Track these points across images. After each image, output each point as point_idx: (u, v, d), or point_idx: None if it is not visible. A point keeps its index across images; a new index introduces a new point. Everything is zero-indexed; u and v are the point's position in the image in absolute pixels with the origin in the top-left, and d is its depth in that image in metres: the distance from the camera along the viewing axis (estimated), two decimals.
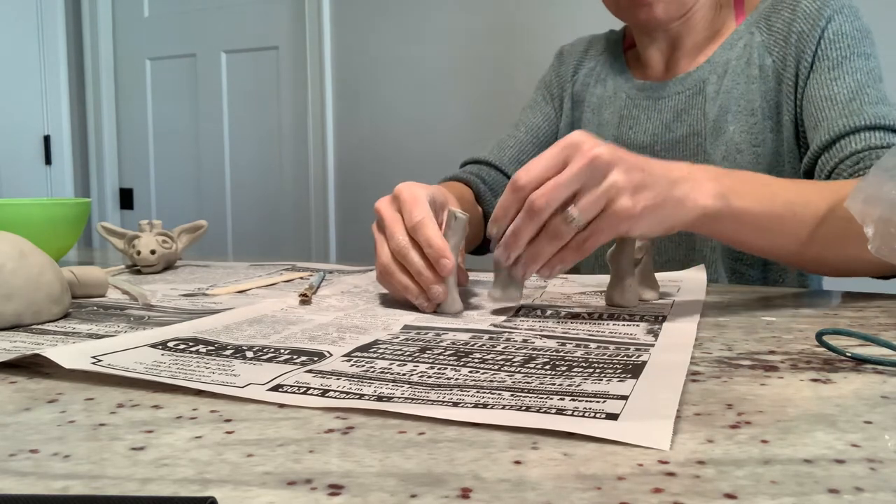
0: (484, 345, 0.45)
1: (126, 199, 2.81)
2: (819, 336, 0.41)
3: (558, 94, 1.01)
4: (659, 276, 0.74)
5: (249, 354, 0.42)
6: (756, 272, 0.84)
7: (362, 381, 0.37)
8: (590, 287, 0.68)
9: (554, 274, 0.53)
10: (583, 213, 0.49)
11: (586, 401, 0.33)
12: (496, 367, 0.40)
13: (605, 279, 0.73)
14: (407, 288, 0.56)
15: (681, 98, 0.88)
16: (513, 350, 0.44)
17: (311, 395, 0.34)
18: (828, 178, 0.73)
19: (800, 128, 0.81)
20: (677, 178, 0.53)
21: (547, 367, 0.40)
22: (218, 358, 0.41)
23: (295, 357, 0.42)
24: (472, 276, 0.73)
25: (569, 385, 0.36)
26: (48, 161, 2.71)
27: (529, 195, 0.50)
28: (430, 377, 0.37)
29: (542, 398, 0.34)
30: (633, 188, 0.50)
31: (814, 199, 0.60)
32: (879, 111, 0.72)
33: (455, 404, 0.33)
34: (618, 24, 0.98)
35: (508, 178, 0.97)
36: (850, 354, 0.41)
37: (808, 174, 0.79)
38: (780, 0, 0.84)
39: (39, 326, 0.52)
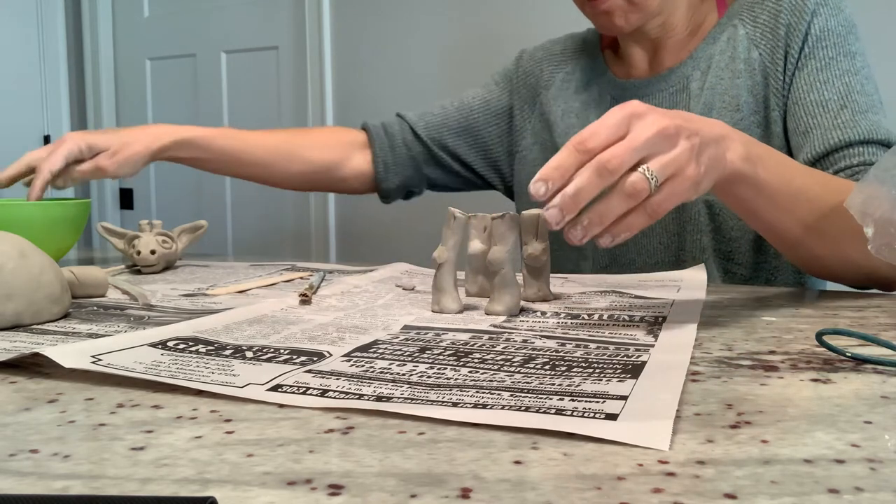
0: (483, 345, 0.45)
1: (126, 199, 2.80)
2: (819, 336, 0.41)
3: (529, 97, 1.01)
4: (659, 276, 0.74)
5: (249, 354, 0.42)
6: (747, 271, 0.83)
7: (362, 381, 0.37)
8: (590, 287, 0.68)
9: (616, 241, 0.49)
10: (658, 174, 0.48)
11: (586, 401, 0.33)
12: (496, 367, 0.40)
13: (605, 279, 0.73)
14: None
15: (665, 96, 0.87)
16: (512, 350, 0.44)
17: (311, 395, 0.35)
18: None
19: (787, 126, 0.81)
20: (718, 135, 0.54)
21: (546, 367, 0.40)
22: (217, 358, 0.41)
23: (294, 357, 0.42)
24: None
25: (568, 385, 0.36)
26: None
27: (598, 156, 0.48)
28: (429, 377, 0.37)
29: (541, 398, 0.34)
30: (696, 154, 0.51)
31: (822, 193, 0.62)
32: (871, 122, 0.75)
33: (455, 404, 0.33)
34: None
35: (418, 137, 1.03)
36: (850, 354, 0.41)
37: None
38: None
39: (39, 326, 0.52)
